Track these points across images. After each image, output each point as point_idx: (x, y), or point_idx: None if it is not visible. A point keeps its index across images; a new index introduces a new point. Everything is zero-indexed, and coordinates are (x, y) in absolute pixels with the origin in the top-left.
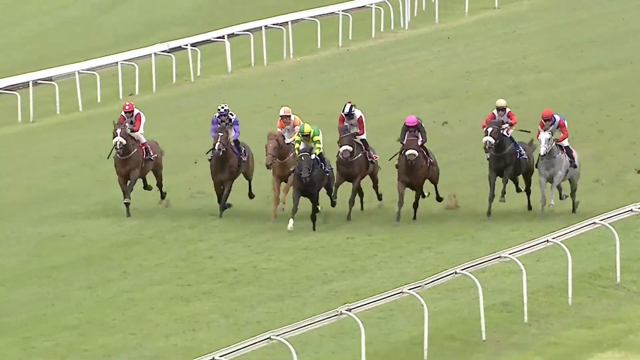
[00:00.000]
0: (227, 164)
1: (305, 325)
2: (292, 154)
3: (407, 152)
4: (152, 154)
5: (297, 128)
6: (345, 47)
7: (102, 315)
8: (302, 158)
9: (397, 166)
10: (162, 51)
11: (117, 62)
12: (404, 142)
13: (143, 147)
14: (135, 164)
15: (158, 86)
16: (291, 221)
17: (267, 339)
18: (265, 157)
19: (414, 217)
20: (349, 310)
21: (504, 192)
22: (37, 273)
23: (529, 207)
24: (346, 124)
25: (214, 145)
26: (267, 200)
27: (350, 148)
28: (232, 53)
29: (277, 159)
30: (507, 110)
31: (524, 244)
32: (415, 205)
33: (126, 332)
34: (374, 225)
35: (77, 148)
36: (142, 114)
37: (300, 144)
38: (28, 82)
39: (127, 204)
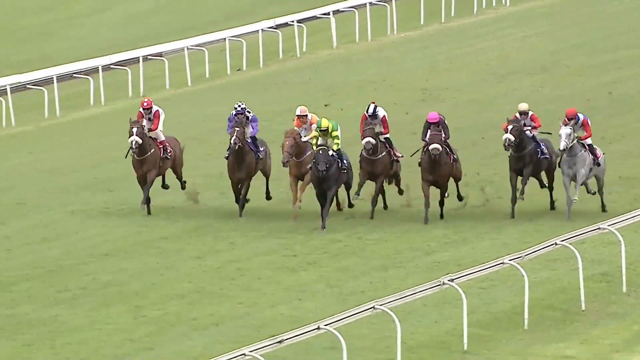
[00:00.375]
0: (244, 162)
1: (408, 295)
2: (309, 152)
3: (431, 147)
4: (169, 151)
5: (313, 126)
6: (448, 23)
7: (210, 285)
8: (320, 152)
9: (419, 164)
10: (269, 27)
11: (225, 38)
12: (427, 138)
13: (161, 146)
14: (152, 164)
15: (265, 61)
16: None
17: (371, 308)
18: (282, 155)
19: (441, 216)
20: (451, 280)
21: (522, 192)
22: (147, 244)
23: (552, 206)
24: (369, 121)
25: (230, 139)
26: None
27: (373, 140)
28: (337, 29)
29: (293, 158)
30: (530, 113)
31: (622, 215)
32: (442, 203)
33: (234, 301)
34: (475, 198)
35: (186, 122)
36: (161, 110)
37: (318, 139)
38: (138, 57)
39: (147, 204)
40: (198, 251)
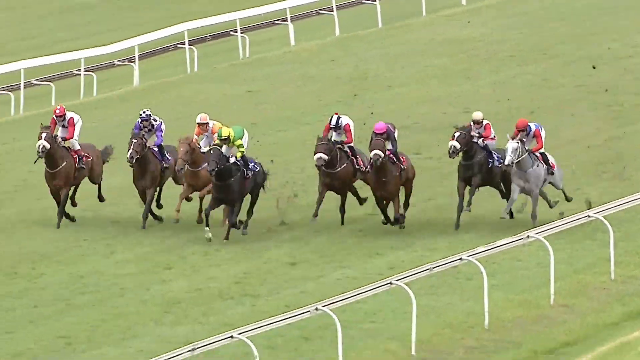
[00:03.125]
0: (148, 170)
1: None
2: (205, 164)
3: (372, 153)
4: (84, 160)
5: (215, 135)
6: None
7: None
8: (211, 151)
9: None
10: None
11: None
12: (369, 148)
13: (75, 156)
14: (64, 179)
15: None
16: (207, 230)
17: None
18: (177, 162)
19: (402, 227)
20: None
21: (469, 203)
22: None
23: (511, 214)
24: (332, 133)
25: (127, 152)
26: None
27: (324, 156)
28: None
29: (188, 167)
30: (484, 122)
31: None
32: (399, 214)
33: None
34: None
35: (469, 42)
36: (76, 117)
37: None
38: None
39: (61, 218)
40: None
